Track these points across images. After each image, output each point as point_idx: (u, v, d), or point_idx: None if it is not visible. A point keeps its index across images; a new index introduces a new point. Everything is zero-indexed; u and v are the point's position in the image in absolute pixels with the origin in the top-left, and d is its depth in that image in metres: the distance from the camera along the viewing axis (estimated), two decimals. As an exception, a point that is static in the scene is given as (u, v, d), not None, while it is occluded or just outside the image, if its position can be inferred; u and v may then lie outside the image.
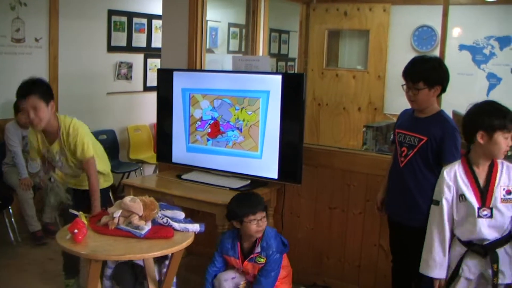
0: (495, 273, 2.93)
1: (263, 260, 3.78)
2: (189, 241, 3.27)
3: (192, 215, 4.62)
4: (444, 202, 3.04)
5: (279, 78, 4.28)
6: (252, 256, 3.81)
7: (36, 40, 6.27)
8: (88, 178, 3.99)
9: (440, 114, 3.48)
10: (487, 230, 2.94)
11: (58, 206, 4.20)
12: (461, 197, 3.00)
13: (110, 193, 4.99)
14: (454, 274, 3.08)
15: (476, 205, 2.95)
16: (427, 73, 3.37)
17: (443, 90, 3.45)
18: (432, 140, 3.37)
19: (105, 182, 4.28)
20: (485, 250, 2.97)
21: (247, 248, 3.85)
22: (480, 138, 2.95)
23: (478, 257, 3.00)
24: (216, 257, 3.93)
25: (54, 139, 3.98)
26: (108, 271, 3.79)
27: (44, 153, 4.07)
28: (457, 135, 3.34)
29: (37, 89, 3.84)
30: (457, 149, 3.33)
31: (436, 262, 3.08)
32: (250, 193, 4.04)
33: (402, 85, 3.49)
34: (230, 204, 3.87)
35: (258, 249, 3.79)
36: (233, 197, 3.94)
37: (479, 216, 2.93)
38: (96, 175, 4.02)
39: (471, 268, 3.03)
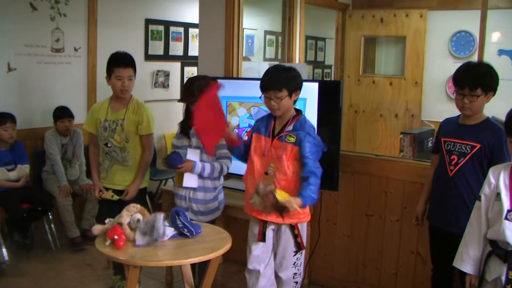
0: (509, 281, 2.85)
1: (293, 139, 3.47)
2: (226, 247, 3.29)
3: (228, 222, 4.66)
4: (483, 198, 2.98)
5: (315, 85, 4.27)
6: (282, 134, 3.54)
7: (75, 49, 6.38)
8: (143, 152, 4.41)
9: (489, 120, 3.47)
10: (511, 234, 2.87)
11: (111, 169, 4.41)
12: (498, 195, 2.92)
13: (148, 200, 5.06)
14: (482, 274, 3.01)
15: (506, 206, 2.87)
16: (484, 79, 3.34)
17: (494, 95, 3.43)
18: (486, 146, 3.36)
19: (145, 181, 4.49)
20: (506, 255, 2.88)
21: (279, 129, 3.60)
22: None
23: (499, 261, 2.92)
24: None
25: (121, 108, 4.37)
26: None
27: (100, 123, 4.38)
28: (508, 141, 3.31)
29: (134, 63, 4.36)
30: (509, 155, 3.30)
31: (470, 257, 3.02)
32: (280, 68, 3.61)
33: (453, 92, 3.45)
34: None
35: (289, 128, 3.54)
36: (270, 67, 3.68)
37: (506, 218, 2.86)
38: (151, 152, 4.46)
39: (491, 270, 2.95)
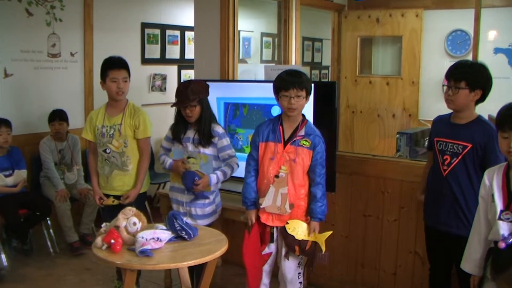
0: None
1: (307, 144, 3.59)
2: (223, 249, 3.29)
3: (227, 225, 4.65)
4: (480, 200, 2.99)
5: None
6: (295, 138, 3.62)
7: (72, 54, 6.38)
8: (141, 156, 4.43)
9: (480, 119, 3.47)
10: (507, 234, 2.86)
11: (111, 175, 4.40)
12: (492, 197, 2.92)
13: (146, 204, 5.05)
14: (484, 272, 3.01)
15: (500, 207, 2.87)
16: (471, 75, 3.37)
17: (483, 97, 3.43)
18: (477, 146, 3.36)
19: (145, 186, 4.51)
20: None
21: (289, 133, 3.65)
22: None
23: None
24: (250, 161, 3.76)
25: (117, 113, 4.40)
26: None
27: (98, 130, 4.38)
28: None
29: (128, 66, 4.39)
30: (502, 153, 3.30)
31: (472, 258, 3.03)
32: (296, 71, 3.71)
33: (443, 85, 3.47)
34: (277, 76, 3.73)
35: (302, 132, 3.63)
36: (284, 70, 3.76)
37: (499, 219, 2.86)
38: (148, 155, 4.50)
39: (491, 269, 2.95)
